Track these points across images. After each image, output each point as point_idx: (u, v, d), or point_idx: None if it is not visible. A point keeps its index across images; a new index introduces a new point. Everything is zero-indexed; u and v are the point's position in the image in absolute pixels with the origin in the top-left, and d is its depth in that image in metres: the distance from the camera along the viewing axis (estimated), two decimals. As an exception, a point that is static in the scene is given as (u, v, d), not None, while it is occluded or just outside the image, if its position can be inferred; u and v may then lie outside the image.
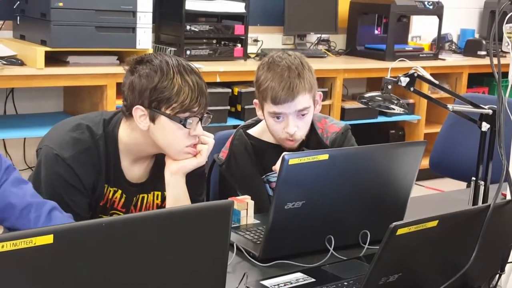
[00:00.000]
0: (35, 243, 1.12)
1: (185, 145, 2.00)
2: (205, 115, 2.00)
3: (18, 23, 3.91)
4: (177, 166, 2.03)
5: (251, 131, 2.39)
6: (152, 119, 1.96)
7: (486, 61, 5.36)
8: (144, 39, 3.86)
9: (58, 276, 1.18)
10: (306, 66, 2.26)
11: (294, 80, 2.20)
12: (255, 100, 2.32)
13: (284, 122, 2.23)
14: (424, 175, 4.11)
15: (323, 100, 2.35)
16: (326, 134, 2.37)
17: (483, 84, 5.73)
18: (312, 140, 2.35)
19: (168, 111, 1.94)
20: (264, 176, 2.34)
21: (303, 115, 2.24)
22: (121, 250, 1.26)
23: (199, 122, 1.99)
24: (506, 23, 1.84)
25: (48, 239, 1.13)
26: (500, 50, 1.87)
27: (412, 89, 2.05)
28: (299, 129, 2.24)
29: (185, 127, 1.95)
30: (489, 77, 5.69)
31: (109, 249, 1.24)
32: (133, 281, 1.30)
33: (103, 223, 1.23)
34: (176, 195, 2.05)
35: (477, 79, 5.61)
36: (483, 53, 5.47)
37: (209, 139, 2.05)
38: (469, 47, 5.58)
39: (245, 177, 2.31)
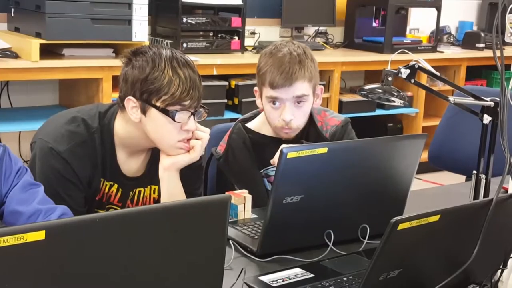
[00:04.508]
0: (26, 239, 1.09)
1: (177, 140, 1.97)
2: (200, 109, 1.97)
3: (12, 15, 3.89)
4: (169, 162, 2.00)
5: (249, 125, 2.36)
6: (143, 111, 1.93)
7: (485, 53, 5.35)
8: (140, 32, 3.83)
9: (51, 273, 1.16)
10: (309, 56, 2.24)
11: (293, 66, 2.18)
12: (255, 88, 2.30)
13: (281, 108, 2.21)
14: (422, 168, 4.10)
15: (321, 93, 2.32)
16: (325, 127, 2.34)
17: (482, 77, 5.72)
18: (312, 133, 2.32)
19: (158, 103, 1.91)
20: (262, 170, 2.31)
21: (299, 102, 2.21)
22: (115, 245, 1.23)
23: (192, 116, 1.95)
24: (509, 13, 1.81)
25: (40, 235, 1.10)
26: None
27: (412, 81, 2.03)
28: (295, 118, 2.22)
29: (173, 120, 1.92)
30: (487, 69, 5.67)
31: (103, 245, 1.21)
32: (129, 277, 1.28)
33: (96, 218, 1.20)
34: (171, 190, 2.02)
35: (475, 72, 5.59)
36: (482, 45, 5.45)
37: (204, 134, 2.02)
38: (468, 40, 5.56)
39: (243, 171, 2.29)
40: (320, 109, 2.39)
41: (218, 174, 2.37)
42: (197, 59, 3.90)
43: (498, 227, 1.58)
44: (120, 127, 2.02)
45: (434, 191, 2.89)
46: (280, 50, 2.21)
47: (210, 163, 2.38)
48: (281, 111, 2.21)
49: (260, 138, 2.33)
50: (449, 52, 5.36)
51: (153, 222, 1.28)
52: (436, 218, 1.43)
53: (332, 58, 4.74)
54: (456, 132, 3.21)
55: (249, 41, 4.73)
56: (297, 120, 2.23)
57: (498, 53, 1.67)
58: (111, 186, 2.06)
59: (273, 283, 1.68)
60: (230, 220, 2.01)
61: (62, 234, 1.16)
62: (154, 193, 2.12)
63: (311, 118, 2.31)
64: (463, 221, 1.54)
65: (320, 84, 2.31)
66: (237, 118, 2.44)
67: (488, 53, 5.19)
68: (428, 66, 2.04)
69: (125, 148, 2.04)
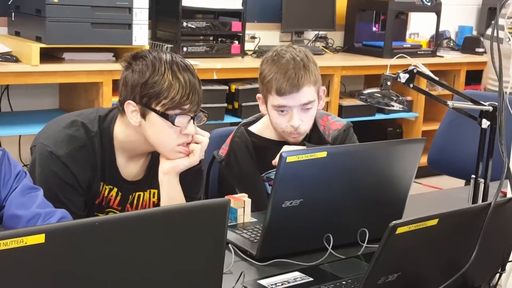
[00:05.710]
0: (26, 243, 1.09)
1: (176, 144, 1.97)
2: (200, 113, 1.98)
3: (13, 19, 3.89)
4: (169, 166, 2.01)
5: (252, 128, 2.37)
6: (143, 115, 1.94)
7: (484, 58, 5.35)
8: (140, 36, 3.83)
9: (50, 276, 1.16)
10: (311, 60, 2.25)
11: (299, 72, 2.18)
12: (258, 95, 2.30)
13: (288, 115, 2.21)
14: (421, 172, 4.10)
15: (321, 98, 2.33)
16: (328, 131, 2.35)
17: (481, 81, 5.70)
18: (314, 137, 2.33)
19: (158, 107, 1.92)
20: (264, 174, 2.32)
21: (307, 109, 2.22)
22: (115, 249, 1.23)
23: (192, 120, 1.96)
24: (507, 18, 1.82)
25: (40, 238, 1.10)
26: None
27: (411, 85, 2.03)
28: (303, 123, 2.22)
29: (173, 124, 1.92)
30: (487, 74, 5.66)
31: (102, 248, 1.21)
32: (128, 281, 1.28)
33: (96, 222, 1.21)
34: (170, 194, 2.02)
35: (474, 76, 5.58)
36: (481, 50, 5.45)
37: (204, 138, 2.02)
38: (467, 44, 5.57)
39: (244, 175, 2.29)
40: (322, 113, 2.40)
41: (220, 177, 2.37)
42: (197, 63, 3.91)
43: (496, 231, 1.58)
44: (120, 131, 2.02)
45: (433, 195, 2.89)
46: (283, 56, 2.21)
47: (212, 166, 2.38)
48: (289, 117, 2.21)
49: (263, 142, 2.33)
50: (449, 56, 5.36)
51: (153, 226, 1.29)
52: (434, 222, 1.43)
53: (332, 63, 4.75)
54: (455, 137, 3.21)
55: (249, 46, 4.74)
56: (305, 124, 2.24)
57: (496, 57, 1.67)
58: (110, 190, 2.06)
59: (272, 287, 1.68)
60: (229, 224, 2.01)
61: (62, 238, 1.16)
62: (153, 197, 2.12)
63: (313, 122, 2.31)
64: (462, 225, 1.54)
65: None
66: (237, 122, 2.45)
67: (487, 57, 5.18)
68: (426, 71, 2.05)
69: (124, 152, 2.04)
